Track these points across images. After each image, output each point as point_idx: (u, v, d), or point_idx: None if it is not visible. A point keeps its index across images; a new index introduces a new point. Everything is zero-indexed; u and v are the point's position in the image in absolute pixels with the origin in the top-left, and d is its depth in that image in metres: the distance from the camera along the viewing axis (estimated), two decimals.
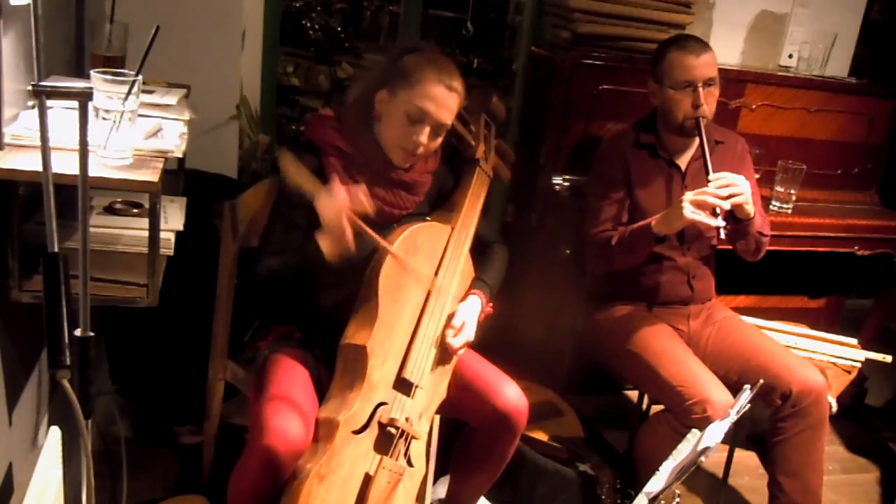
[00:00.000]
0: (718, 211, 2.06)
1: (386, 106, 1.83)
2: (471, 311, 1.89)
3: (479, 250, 2.01)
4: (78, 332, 1.19)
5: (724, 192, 2.08)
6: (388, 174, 1.85)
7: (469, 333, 1.86)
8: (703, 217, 2.04)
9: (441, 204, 2.01)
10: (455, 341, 1.83)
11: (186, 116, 1.89)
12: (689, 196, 2.07)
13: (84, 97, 1.13)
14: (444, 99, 1.79)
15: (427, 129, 1.80)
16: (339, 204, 1.66)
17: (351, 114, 1.88)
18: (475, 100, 2.19)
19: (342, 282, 1.78)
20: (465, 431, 1.96)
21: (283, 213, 1.84)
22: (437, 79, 1.78)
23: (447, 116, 1.81)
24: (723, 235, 2.08)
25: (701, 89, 2.22)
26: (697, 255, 2.40)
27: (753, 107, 2.97)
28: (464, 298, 1.92)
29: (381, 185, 1.85)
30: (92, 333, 1.20)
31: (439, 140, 1.86)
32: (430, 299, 1.83)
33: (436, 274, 1.85)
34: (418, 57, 1.82)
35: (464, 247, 1.92)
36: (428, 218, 1.94)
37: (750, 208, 2.16)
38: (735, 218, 2.18)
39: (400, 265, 1.76)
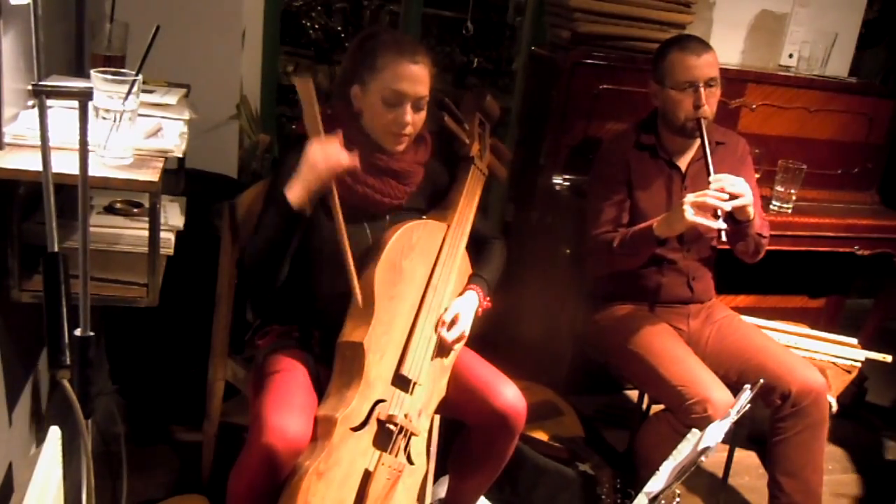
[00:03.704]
0: (720, 213, 2.06)
1: (362, 99, 1.85)
2: (465, 306, 1.89)
3: (477, 247, 2.02)
4: (78, 332, 1.19)
5: (724, 193, 2.08)
6: (377, 163, 1.86)
7: (463, 327, 1.86)
8: (704, 219, 2.04)
9: (437, 202, 2.02)
10: (448, 335, 1.83)
11: (186, 116, 1.89)
12: (689, 198, 2.06)
13: (84, 97, 1.13)
14: (413, 73, 1.80)
15: (408, 107, 1.82)
16: (331, 157, 1.71)
17: (337, 109, 1.90)
18: (469, 99, 2.19)
19: (340, 280, 1.78)
20: (463, 431, 1.97)
21: (269, 200, 1.84)
22: (401, 56, 1.80)
23: (422, 89, 1.83)
24: (724, 238, 2.08)
25: (702, 89, 2.21)
26: (697, 255, 2.40)
27: (753, 106, 2.97)
28: (461, 294, 1.92)
29: (371, 173, 1.86)
30: (92, 333, 1.20)
31: (423, 113, 1.87)
32: (427, 296, 1.83)
33: (432, 271, 1.86)
34: (376, 43, 1.84)
35: (460, 244, 1.93)
36: (424, 216, 1.94)
37: (750, 210, 2.16)
38: (735, 220, 2.18)
39: (394, 267, 1.75)
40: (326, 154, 1.72)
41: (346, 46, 4.23)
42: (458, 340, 1.86)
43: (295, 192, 1.72)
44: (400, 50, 1.81)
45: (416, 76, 1.81)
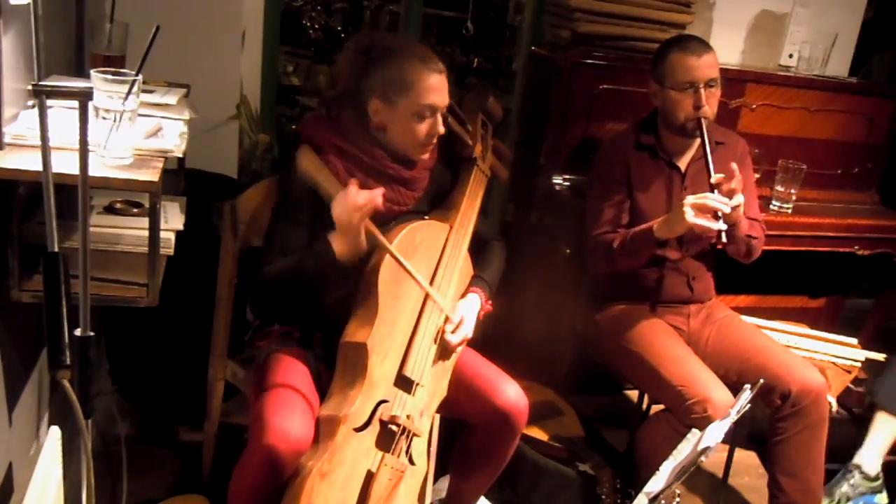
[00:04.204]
0: (720, 214, 2.05)
1: (387, 115, 1.83)
2: (470, 308, 1.89)
3: (478, 248, 2.02)
4: (78, 332, 1.19)
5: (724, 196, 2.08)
6: (387, 171, 1.86)
7: (467, 330, 1.86)
8: (704, 221, 2.04)
9: (440, 203, 2.02)
10: (453, 337, 1.83)
11: (186, 116, 1.89)
12: (690, 200, 2.06)
13: (84, 97, 1.13)
14: (440, 85, 1.82)
15: (438, 117, 1.85)
16: (357, 206, 1.69)
17: (346, 116, 1.88)
18: (472, 100, 2.19)
19: (343, 281, 1.79)
20: (465, 431, 1.97)
21: (286, 211, 1.85)
22: (427, 70, 1.81)
23: (447, 98, 1.86)
24: (724, 239, 2.08)
25: (702, 90, 2.21)
26: (697, 255, 2.40)
27: (753, 106, 2.97)
28: (463, 296, 1.92)
29: (381, 182, 1.86)
30: (92, 333, 1.20)
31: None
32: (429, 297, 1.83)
33: (434, 272, 1.86)
34: (392, 56, 1.82)
35: (462, 245, 1.93)
36: (426, 217, 1.94)
37: (738, 212, 2.16)
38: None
39: (398, 267, 1.76)
40: (353, 205, 1.70)
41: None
42: (461, 343, 1.86)
43: (339, 247, 1.73)
44: (423, 61, 1.81)
45: (443, 86, 1.83)
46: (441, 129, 1.86)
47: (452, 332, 1.84)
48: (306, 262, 1.76)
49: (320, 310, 1.87)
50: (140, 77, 1.52)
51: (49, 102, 1.13)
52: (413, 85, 1.79)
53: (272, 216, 1.90)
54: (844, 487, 2.54)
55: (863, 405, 3.09)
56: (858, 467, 2.54)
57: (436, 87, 1.81)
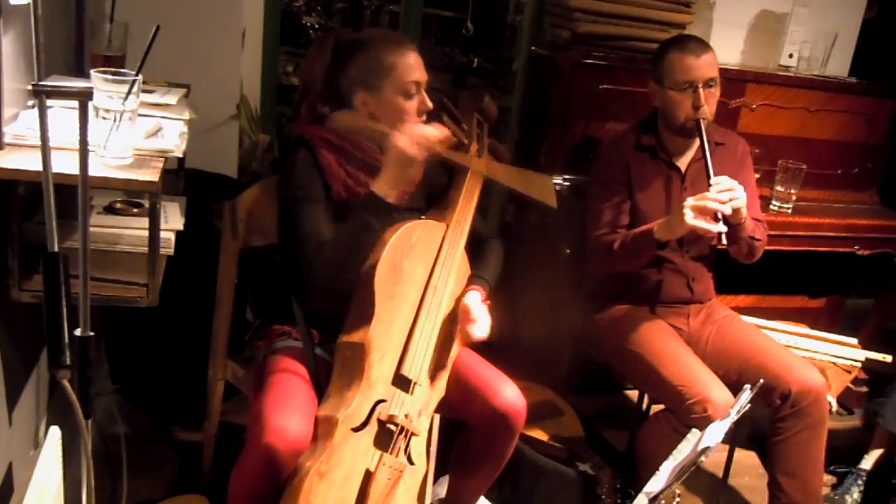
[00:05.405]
0: (719, 216, 2.05)
1: (375, 103, 1.87)
2: (481, 305, 1.88)
3: (475, 247, 2.02)
4: (78, 332, 1.19)
5: (724, 196, 2.08)
6: (377, 164, 1.87)
7: (487, 324, 1.84)
8: (704, 222, 2.04)
9: (436, 202, 2.02)
10: (477, 331, 1.82)
11: (186, 116, 1.89)
12: (689, 202, 2.06)
13: (84, 97, 1.13)
14: (418, 60, 1.88)
15: (424, 93, 1.90)
16: (427, 137, 1.78)
17: (334, 113, 1.90)
18: (467, 99, 2.19)
19: (340, 279, 1.78)
20: (463, 431, 1.96)
21: (301, 196, 1.83)
22: (403, 49, 1.86)
23: (426, 72, 1.91)
24: (724, 240, 2.08)
25: (701, 90, 2.21)
26: (697, 256, 2.40)
27: (753, 106, 2.97)
28: (462, 294, 1.92)
29: (372, 175, 1.86)
30: (92, 333, 1.20)
31: None
32: (427, 296, 1.83)
33: (431, 271, 1.86)
34: (364, 46, 1.87)
35: (459, 244, 1.93)
36: (423, 216, 1.94)
37: (743, 211, 2.16)
38: (727, 222, 2.18)
39: (395, 266, 1.76)
40: (422, 136, 1.77)
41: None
42: (482, 338, 1.84)
43: (386, 185, 1.78)
44: (397, 42, 1.87)
45: (421, 62, 1.88)
46: (430, 104, 1.89)
47: (475, 326, 1.81)
48: (362, 222, 1.78)
49: (318, 309, 1.86)
50: (140, 77, 1.52)
51: (49, 102, 1.13)
52: (394, 66, 1.84)
53: (284, 214, 1.86)
54: (855, 495, 2.54)
55: (864, 417, 3.10)
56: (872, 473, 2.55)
57: (415, 63, 1.86)
